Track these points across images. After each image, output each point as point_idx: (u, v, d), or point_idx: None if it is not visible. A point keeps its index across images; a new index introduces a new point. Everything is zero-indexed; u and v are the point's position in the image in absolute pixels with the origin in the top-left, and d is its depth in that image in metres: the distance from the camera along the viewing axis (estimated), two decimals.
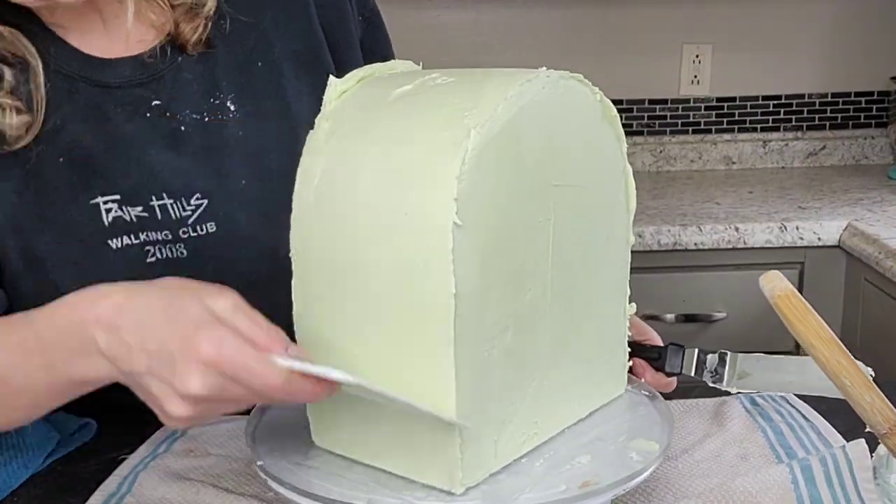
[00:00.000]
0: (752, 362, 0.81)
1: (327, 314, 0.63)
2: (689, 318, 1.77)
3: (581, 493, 0.60)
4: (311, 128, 0.65)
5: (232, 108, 0.85)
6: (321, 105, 0.65)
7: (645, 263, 1.75)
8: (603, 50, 2.20)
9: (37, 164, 0.80)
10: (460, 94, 0.61)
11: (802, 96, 2.25)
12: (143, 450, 0.83)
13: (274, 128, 0.86)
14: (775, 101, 2.25)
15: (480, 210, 0.57)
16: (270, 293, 0.67)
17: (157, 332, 0.57)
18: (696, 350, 0.83)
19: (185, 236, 0.83)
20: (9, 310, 0.80)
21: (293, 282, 0.65)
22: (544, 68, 0.64)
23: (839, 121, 2.26)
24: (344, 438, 0.67)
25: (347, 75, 0.67)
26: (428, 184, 0.57)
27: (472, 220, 0.57)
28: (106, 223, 0.81)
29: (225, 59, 0.86)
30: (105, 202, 0.81)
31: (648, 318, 1.76)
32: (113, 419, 0.90)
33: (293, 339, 0.63)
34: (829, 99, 2.25)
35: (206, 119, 0.84)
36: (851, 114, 2.26)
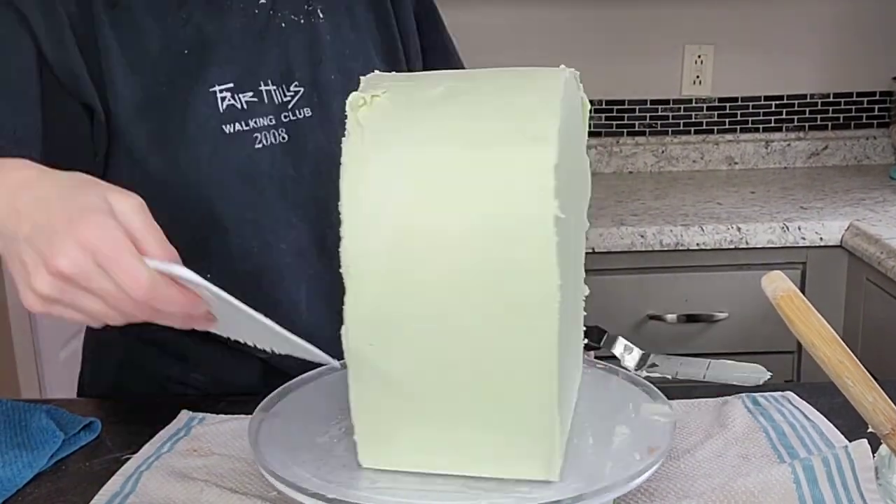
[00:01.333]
0: (662, 358, 0.91)
1: (396, 340, 0.62)
2: (690, 319, 1.77)
3: (584, 492, 0.60)
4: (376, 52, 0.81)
5: (321, 15, 0.98)
6: (383, 37, 0.94)
7: (647, 263, 1.75)
8: (605, 50, 2.20)
9: (167, 55, 0.89)
10: (507, 92, 0.62)
11: (804, 96, 2.25)
12: (146, 449, 0.83)
13: (353, 38, 1.00)
14: (777, 102, 2.25)
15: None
16: None
17: (49, 207, 0.60)
18: (618, 336, 0.94)
19: (287, 120, 0.93)
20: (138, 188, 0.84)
21: (346, 299, 0.62)
22: (563, 66, 0.64)
23: (841, 121, 2.26)
24: (402, 451, 0.65)
25: (367, 81, 0.66)
26: (523, 179, 0.57)
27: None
28: (221, 110, 0.90)
29: None
30: (221, 90, 0.90)
31: (650, 319, 1.76)
32: (117, 419, 0.90)
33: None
34: (831, 99, 2.25)
35: (302, 21, 0.96)
36: (853, 114, 2.26)
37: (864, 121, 2.26)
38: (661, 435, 0.68)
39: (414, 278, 0.59)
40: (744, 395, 0.89)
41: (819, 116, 2.26)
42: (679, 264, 1.76)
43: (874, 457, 0.67)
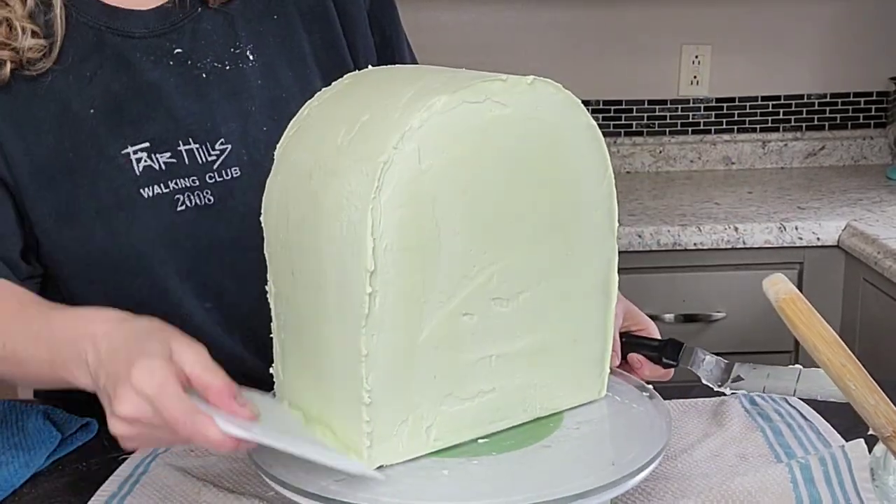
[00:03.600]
0: (747, 369, 0.82)
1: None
2: (688, 319, 1.77)
3: (582, 491, 0.60)
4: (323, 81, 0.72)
5: (251, 57, 0.89)
6: (331, 59, 0.80)
7: (644, 263, 1.75)
8: (602, 50, 2.20)
9: (69, 117, 0.84)
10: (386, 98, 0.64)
11: (801, 97, 2.25)
12: (143, 449, 0.83)
13: (291, 77, 0.91)
14: (774, 102, 2.26)
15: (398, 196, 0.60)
16: None
17: (119, 356, 0.64)
18: (696, 348, 0.84)
19: (212, 181, 0.87)
20: (45, 270, 0.88)
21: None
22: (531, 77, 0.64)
23: (838, 121, 2.27)
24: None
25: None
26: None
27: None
28: (137, 172, 0.84)
29: (242, 11, 0.91)
30: (135, 151, 0.84)
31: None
32: None
33: None
34: (829, 99, 2.26)
35: (227, 67, 0.88)
36: (850, 114, 2.26)
37: (862, 121, 2.26)
38: (658, 434, 0.68)
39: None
40: (741, 395, 0.89)
41: (816, 117, 2.26)
42: (676, 264, 1.76)
43: (869, 458, 0.67)
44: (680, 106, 2.25)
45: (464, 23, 2.21)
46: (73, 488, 0.78)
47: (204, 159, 0.86)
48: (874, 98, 2.25)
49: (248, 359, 0.91)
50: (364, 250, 0.59)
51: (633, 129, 2.24)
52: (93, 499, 0.75)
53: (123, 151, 0.84)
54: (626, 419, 0.72)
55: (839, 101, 2.25)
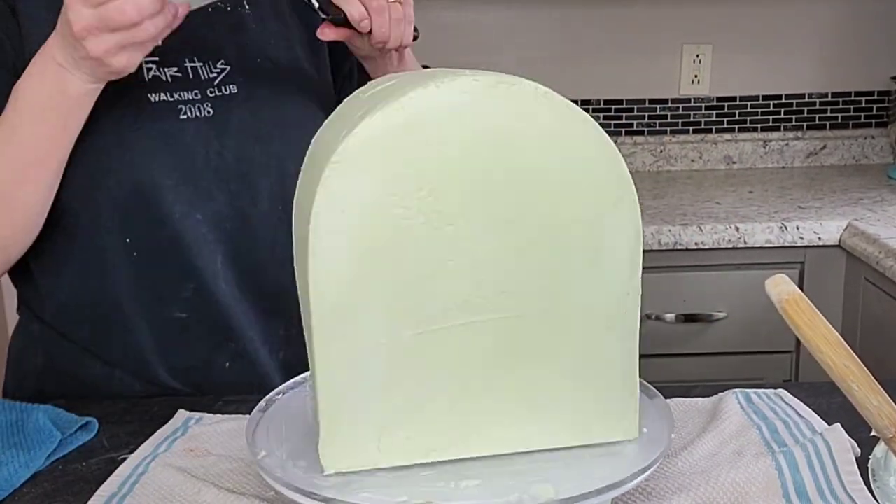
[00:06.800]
0: None
1: None
2: (689, 318, 1.77)
3: (583, 492, 0.60)
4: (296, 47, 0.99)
5: (247, 7, 1.02)
6: (309, 27, 0.98)
7: (645, 263, 1.74)
8: (603, 50, 2.20)
9: None
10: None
11: (803, 96, 2.25)
12: (143, 449, 0.83)
13: (275, 28, 1.03)
14: (775, 101, 2.25)
15: (355, 207, 0.59)
16: (279, 154, 0.97)
17: None
18: None
19: (212, 95, 0.97)
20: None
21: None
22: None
23: (839, 120, 2.27)
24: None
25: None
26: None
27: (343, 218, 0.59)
28: (146, 80, 0.95)
29: None
30: (146, 63, 0.94)
31: (649, 318, 1.76)
32: (114, 419, 0.90)
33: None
34: (830, 98, 2.25)
35: (228, 9, 1.01)
36: (852, 113, 2.26)
37: (863, 120, 2.26)
38: (658, 435, 0.68)
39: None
40: (737, 391, 0.89)
41: (817, 116, 2.26)
42: (677, 264, 1.76)
43: (870, 459, 0.68)
44: (681, 105, 2.25)
45: (464, 23, 2.21)
46: (73, 488, 0.78)
47: (206, 76, 0.97)
48: (875, 97, 2.24)
49: (233, 277, 0.98)
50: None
51: (634, 128, 2.24)
52: (92, 499, 0.75)
53: None
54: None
55: (840, 100, 2.25)
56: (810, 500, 0.70)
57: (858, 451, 0.75)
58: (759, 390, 0.90)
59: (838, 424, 0.78)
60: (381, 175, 0.60)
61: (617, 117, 2.22)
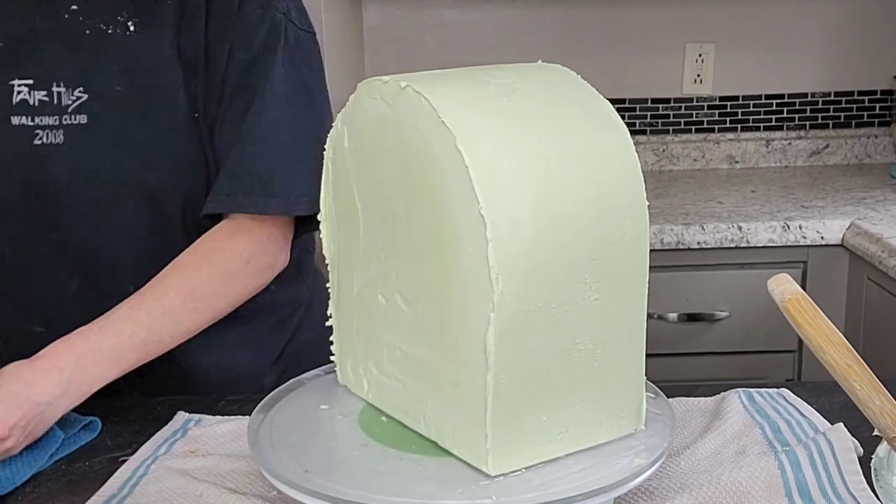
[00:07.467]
0: None
1: None
2: (692, 318, 1.77)
3: (585, 492, 0.60)
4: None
5: (132, 29, 0.98)
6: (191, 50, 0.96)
7: None
8: (606, 49, 2.20)
9: None
10: (545, 85, 0.71)
11: (805, 95, 2.25)
12: (144, 450, 0.83)
13: (156, 55, 0.98)
14: (778, 100, 2.25)
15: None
16: (133, 192, 0.97)
17: None
18: None
19: (66, 123, 0.97)
20: None
21: (496, 299, 0.61)
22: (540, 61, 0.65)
23: (842, 119, 2.26)
24: (530, 445, 0.65)
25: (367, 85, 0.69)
26: (614, 162, 0.71)
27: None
28: (13, 102, 0.97)
29: None
30: (19, 85, 0.97)
31: (651, 318, 1.76)
32: (117, 418, 0.90)
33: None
34: (833, 98, 2.25)
35: (109, 31, 0.98)
36: (854, 112, 2.26)
37: (866, 119, 2.26)
38: (614, 471, 0.65)
39: (552, 266, 0.62)
40: (740, 391, 0.89)
41: (820, 115, 2.26)
42: (680, 263, 1.76)
43: (872, 459, 0.68)
44: (683, 104, 2.25)
45: (465, 22, 2.21)
46: (75, 488, 0.78)
47: (65, 102, 0.97)
48: (878, 96, 2.24)
49: (73, 291, 1.01)
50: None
51: (637, 127, 2.24)
52: (92, 499, 0.75)
53: (10, 82, 0.97)
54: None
55: (843, 99, 2.25)
56: (813, 500, 0.70)
57: (861, 450, 0.75)
58: (762, 390, 0.90)
59: (841, 424, 0.78)
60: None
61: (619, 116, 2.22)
